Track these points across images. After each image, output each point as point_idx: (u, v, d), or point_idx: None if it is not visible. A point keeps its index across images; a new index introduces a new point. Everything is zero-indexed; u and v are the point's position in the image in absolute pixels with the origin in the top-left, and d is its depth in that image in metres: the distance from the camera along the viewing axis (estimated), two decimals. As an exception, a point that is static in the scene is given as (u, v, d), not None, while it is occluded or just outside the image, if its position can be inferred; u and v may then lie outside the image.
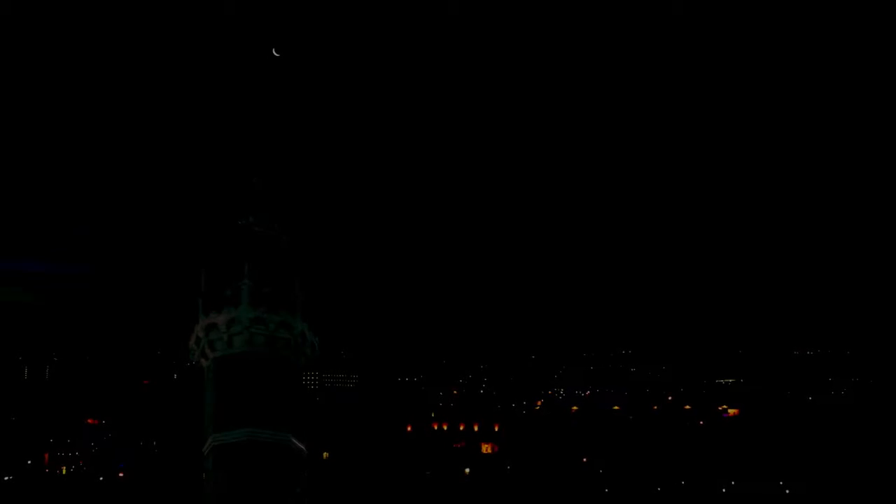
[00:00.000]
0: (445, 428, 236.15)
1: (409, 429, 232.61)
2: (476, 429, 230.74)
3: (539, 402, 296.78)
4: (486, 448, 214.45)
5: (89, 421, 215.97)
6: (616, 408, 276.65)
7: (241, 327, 25.79)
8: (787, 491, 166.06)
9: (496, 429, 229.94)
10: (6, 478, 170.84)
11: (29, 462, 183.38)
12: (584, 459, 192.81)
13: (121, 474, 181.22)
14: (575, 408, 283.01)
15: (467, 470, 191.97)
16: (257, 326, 25.89)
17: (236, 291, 26.10)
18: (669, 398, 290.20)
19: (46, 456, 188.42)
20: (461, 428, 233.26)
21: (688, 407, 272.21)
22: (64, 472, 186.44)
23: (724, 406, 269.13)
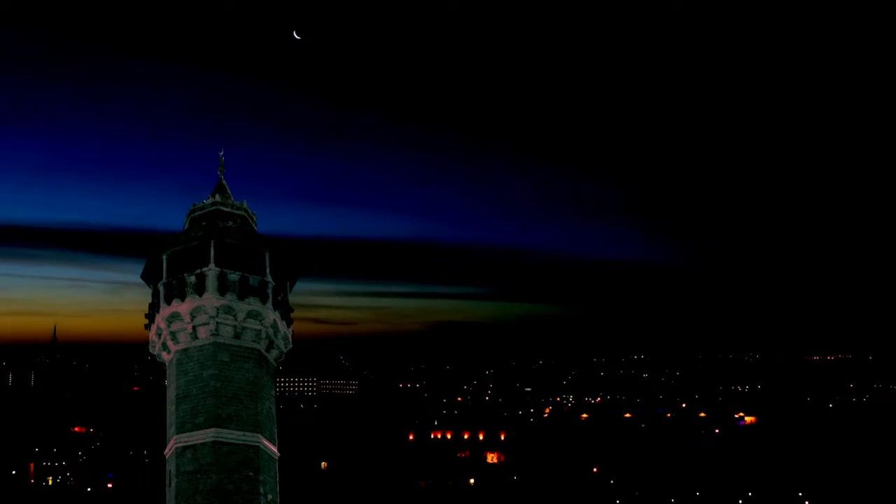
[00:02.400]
0: (449, 436, 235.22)
1: (410, 437, 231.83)
2: (481, 437, 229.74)
3: (547, 410, 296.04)
4: (491, 457, 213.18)
5: (76, 429, 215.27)
6: (628, 415, 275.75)
7: (206, 317, 24.37)
8: (807, 503, 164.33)
9: (502, 437, 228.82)
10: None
11: (13, 472, 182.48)
12: (595, 469, 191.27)
13: (109, 485, 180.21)
14: (585, 415, 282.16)
15: (472, 480, 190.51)
16: (224, 316, 24.45)
17: (201, 277, 24.66)
18: (683, 405, 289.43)
19: (32, 466, 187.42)
20: (465, 436, 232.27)
21: (703, 414, 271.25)
22: (50, 482, 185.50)
23: (741, 413, 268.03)
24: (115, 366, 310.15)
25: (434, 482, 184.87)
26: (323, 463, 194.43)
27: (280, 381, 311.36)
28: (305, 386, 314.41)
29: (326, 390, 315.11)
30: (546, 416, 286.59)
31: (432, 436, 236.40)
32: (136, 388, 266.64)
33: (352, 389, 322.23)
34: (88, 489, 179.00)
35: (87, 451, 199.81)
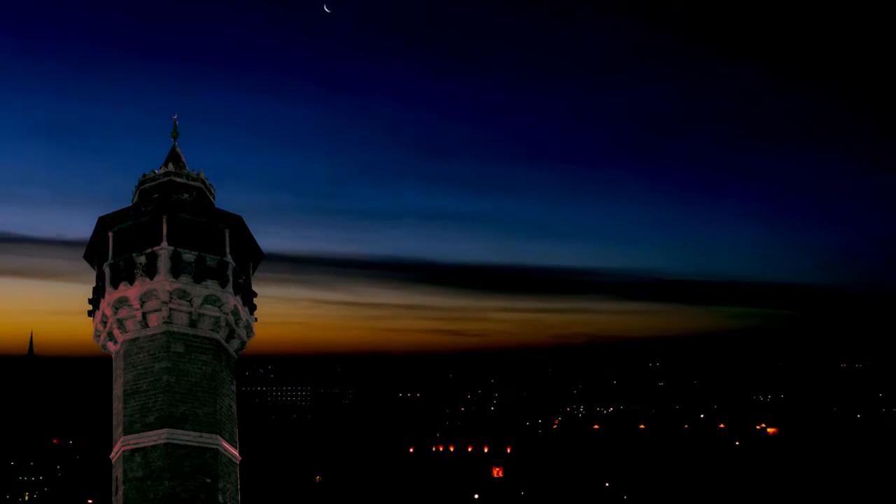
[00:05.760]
0: (452, 449, 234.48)
1: (411, 450, 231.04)
2: (486, 450, 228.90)
3: (556, 421, 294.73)
4: (496, 472, 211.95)
5: (55, 441, 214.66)
6: (642, 426, 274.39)
7: (158, 302, 22.81)
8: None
9: (508, 450, 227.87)
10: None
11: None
12: (607, 484, 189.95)
13: (90, 501, 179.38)
14: (596, 426, 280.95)
15: (476, 496, 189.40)
16: (179, 301, 22.87)
17: (152, 257, 23.04)
18: (701, 416, 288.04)
19: (8, 481, 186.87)
20: (469, 450, 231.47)
21: (722, 426, 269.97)
22: (27, 498, 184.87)
23: (763, 424, 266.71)
24: (96, 374, 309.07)
25: (435, 498, 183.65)
26: (317, 476, 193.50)
27: (272, 390, 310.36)
28: (299, 395, 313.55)
29: (322, 399, 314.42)
30: (555, 427, 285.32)
31: (434, 449, 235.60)
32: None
33: (348, 399, 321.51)
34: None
35: (66, 464, 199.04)
